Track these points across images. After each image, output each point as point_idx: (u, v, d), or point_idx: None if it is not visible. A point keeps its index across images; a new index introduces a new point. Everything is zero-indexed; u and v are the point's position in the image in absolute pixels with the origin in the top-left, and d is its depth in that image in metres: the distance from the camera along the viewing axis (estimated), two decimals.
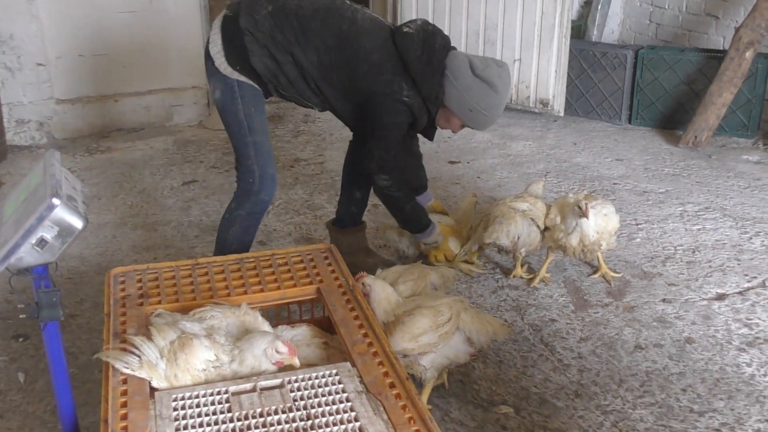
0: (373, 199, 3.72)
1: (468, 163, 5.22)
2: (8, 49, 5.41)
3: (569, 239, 3.42)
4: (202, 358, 2.06)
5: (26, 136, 5.62)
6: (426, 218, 3.53)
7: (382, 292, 2.67)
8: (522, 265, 3.70)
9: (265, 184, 3.18)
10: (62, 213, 1.74)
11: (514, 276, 3.67)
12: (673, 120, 5.82)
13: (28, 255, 1.73)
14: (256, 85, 3.13)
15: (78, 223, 1.78)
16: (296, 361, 2.11)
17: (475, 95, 3.21)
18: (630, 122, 6.00)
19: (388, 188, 3.31)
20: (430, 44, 3.17)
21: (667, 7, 6.57)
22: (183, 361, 2.05)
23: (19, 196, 1.91)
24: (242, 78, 3.08)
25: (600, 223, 3.39)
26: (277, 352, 2.09)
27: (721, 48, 5.95)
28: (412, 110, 3.18)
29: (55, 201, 1.72)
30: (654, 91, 5.86)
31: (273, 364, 2.09)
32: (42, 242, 1.73)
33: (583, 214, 3.34)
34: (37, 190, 1.83)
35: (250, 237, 3.31)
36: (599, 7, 6.90)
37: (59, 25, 5.55)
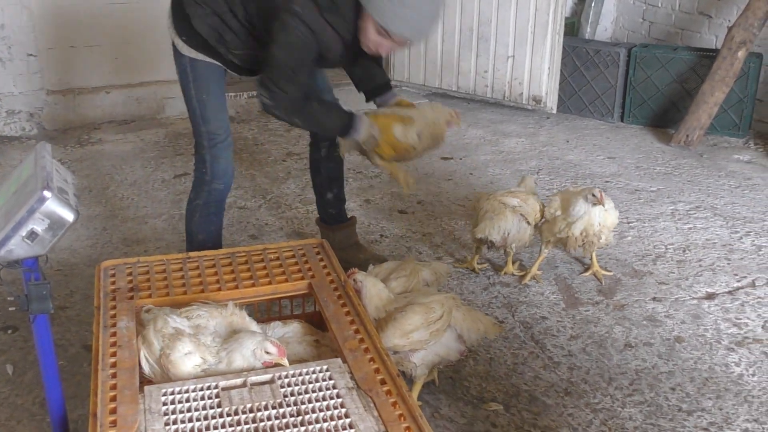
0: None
1: (460, 159, 5.22)
2: None
3: (572, 228, 3.42)
4: (189, 367, 2.06)
5: (16, 126, 5.59)
6: (341, 113, 3.11)
7: (374, 288, 2.66)
8: (513, 262, 3.70)
9: (216, 174, 3.14)
10: (53, 205, 1.72)
11: (505, 273, 3.67)
12: (665, 118, 5.84)
13: (18, 247, 1.72)
14: (210, 59, 3.03)
15: (69, 216, 1.77)
16: (285, 362, 2.10)
17: None
18: (622, 120, 6.01)
19: (267, 107, 2.93)
20: None
21: (660, 5, 6.58)
22: (171, 374, 2.06)
23: (10, 188, 1.89)
24: (193, 54, 3.02)
25: (601, 216, 3.40)
26: (266, 352, 2.08)
27: (714, 47, 5.96)
28: (309, 27, 2.78)
29: (46, 193, 1.71)
30: (646, 90, 5.87)
31: (262, 364, 2.09)
32: (32, 235, 1.72)
33: (599, 201, 3.35)
34: (27, 182, 1.81)
35: (215, 226, 3.30)
36: (593, 5, 6.90)
37: (51, 16, 5.52)
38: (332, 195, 3.63)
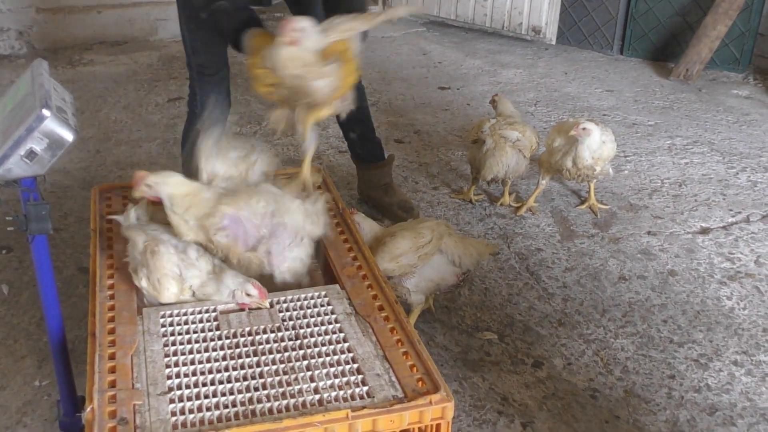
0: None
1: (458, 89, 5.16)
2: None
3: (566, 160, 3.41)
4: (168, 266, 1.99)
5: (5, 45, 5.47)
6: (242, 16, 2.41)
7: (371, 231, 2.68)
8: (510, 194, 3.69)
9: (205, 109, 2.95)
10: (52, 125, 1.69)
11: (501, 204, 3.67)
12: (665, 52, 5.77)
13: (16, 167, 1.69)
14: None
15: (68, 136, 1.73)
16: (266, 304, 2.05)
17: None
18: (622, 53, 5.94)
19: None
20: None
21: None
22: (153, 267, 1.99)
23: (6, 105, 1.85)
24: None
25: (595, 148, 3.38)
26: (247, 294, 2.02)
27: None
28: None
29: (45, 112, 1.67)
30: (647, 22, 5.78)
31: (238, 305, 2.00)
32: (31, 154, 1.68)
33: (577, 136, 3.33)
34: (25, 100, 1.77)
35: None
36: None
37: None
38: (355, 135, 3.50)
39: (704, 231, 3.52)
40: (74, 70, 5.27)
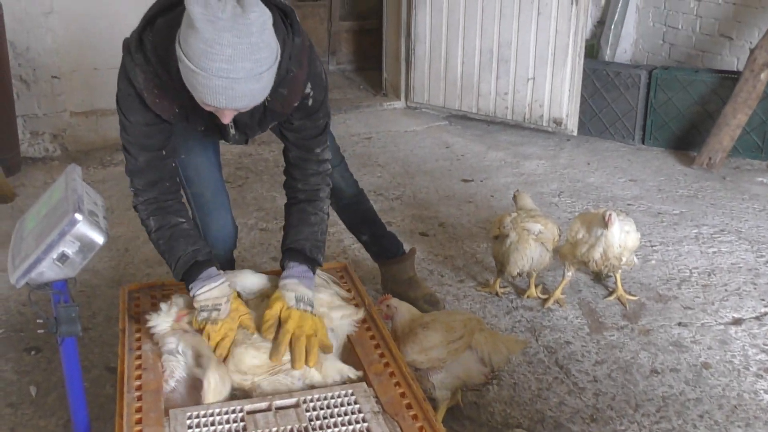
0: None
1: (481, 181, 5.21)
2: (24, 62, 5.43)
3: (593, 251, 3.41)
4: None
5: (40, 148, 5.63)
6: (183, 250, 2.32)
7: (408, 313, 2.67)
8: (536, 286, 3.67)
9: (209, 238, 2.80)
10: (84, 228, 1.73)
11: (528, 297, 3.64)
12: (686, 141, 5.80)
13: (49, 270, 1.73)
14: None
15: (99, 239, 1.78)
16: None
17: (182, 33, 1.92)
18: (643, 142, 5.98)
19: (134, 205, 2.37)
20: None
21: (680, 27, 6.57)
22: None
23: (41, 210, 1.90)
24: None
25: (621, 238, 3.38)
26: None
27: (735, 69, 5.94)
28: (126, 71, 2.18)
29: (78, 216, 1.71)
30: (668, 112, 5.84)
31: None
32: (63, 257, 1.72)
33: (605, 225, 3.34)
34: (59, 204, 1.82)
35: None
36: (612, 27, 6.90)
37: (75, 39, 5.57)
38: (367, 237, 3.49)
39: (737, 322, 3.46)
40: (105, 171, 5.40)
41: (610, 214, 3.35)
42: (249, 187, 5.04)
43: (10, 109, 5.26)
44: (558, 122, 5.97)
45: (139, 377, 2.14)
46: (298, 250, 2.40)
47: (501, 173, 5.37)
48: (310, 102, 2.32)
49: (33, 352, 3.20)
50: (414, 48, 6.56)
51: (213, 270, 2.27)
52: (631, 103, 5.92)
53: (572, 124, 5.95)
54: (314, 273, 2.42)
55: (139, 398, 2.05)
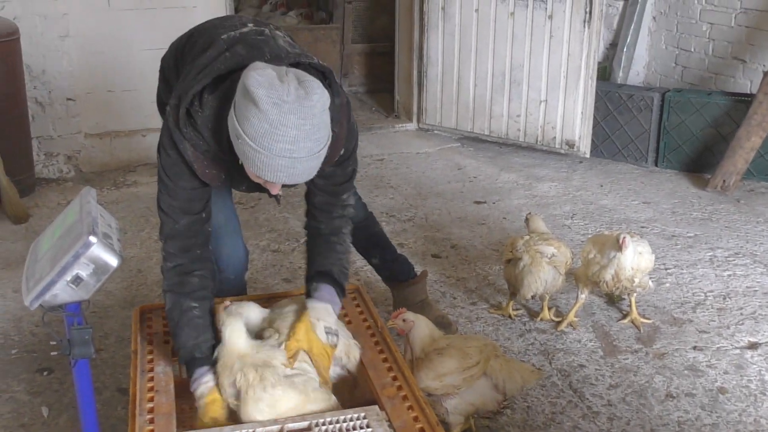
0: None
1: (494, 203, 5.20)
2: (40, 84, 5.50)
3: (605, 273, 3.39)
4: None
5: (54, 169, 5.68)
6: (184, 342, 2.24)
7: (426, 328, 2.66)
8: (549, 308, 3.65)
9: (221, 262, 2.81)
10: (98, 251, 1.74)
11: (541, 319, 3.62)
12: (700, 163, 5.78)
13: (62, 292, 1.73)
14: None
15: (113, 261, 1.78)
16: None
17: (239, 111, 1.94)
18: (656, 165, 5.96)
19: (162, 264, 2.34)
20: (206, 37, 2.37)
21: (693, 50, 6.57)
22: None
23: (55, 232, 1.91)
24: None
25: (634, 260, 3.37)
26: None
27: (749, 92, 5.93)
28: (174, 142, 2.14)
29: (92, 239, 1.72)
30: (681, 134, 5.82)
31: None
32: (77, 280, 1.73)
33: (619, 248, 3.34)
34: (73, 227, 1.83)
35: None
36: (625, 50, 6.91)
37: (89, 62, 5.62)
38: (377, 260, 3.49)
39: (753, 346, 3.42)
40: (118, 192, 5.43)
41: (624, 237, 3.35)
42: (261, 209, 5.05)
43: (26, 130, 5.32)
44: (571, 144, 5.96)
45: (151, 399, 2.14)
46: (326, 272, 2.41)
47: (513, 195, 5.37)
48: (343, 151, 2.35)
49: (45, 373, 3.20)
50: (426, 70, 6.58)
51: (204, 369, 2.20)
52: (644, 125, 5.91)
53: (585, 147, 5.94)
54: (341, 299, 2.42)
55: (151, 421, 2.04)
